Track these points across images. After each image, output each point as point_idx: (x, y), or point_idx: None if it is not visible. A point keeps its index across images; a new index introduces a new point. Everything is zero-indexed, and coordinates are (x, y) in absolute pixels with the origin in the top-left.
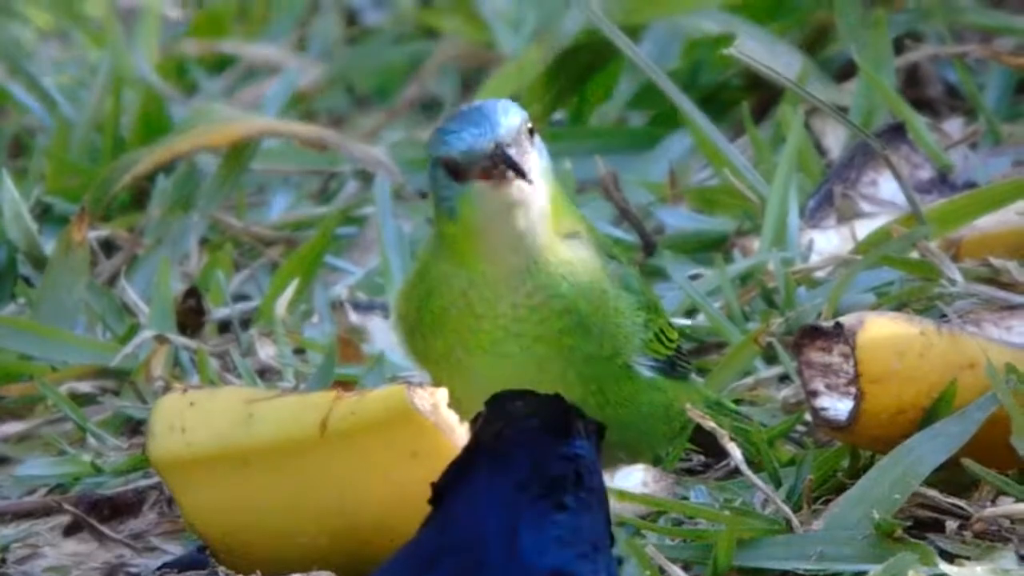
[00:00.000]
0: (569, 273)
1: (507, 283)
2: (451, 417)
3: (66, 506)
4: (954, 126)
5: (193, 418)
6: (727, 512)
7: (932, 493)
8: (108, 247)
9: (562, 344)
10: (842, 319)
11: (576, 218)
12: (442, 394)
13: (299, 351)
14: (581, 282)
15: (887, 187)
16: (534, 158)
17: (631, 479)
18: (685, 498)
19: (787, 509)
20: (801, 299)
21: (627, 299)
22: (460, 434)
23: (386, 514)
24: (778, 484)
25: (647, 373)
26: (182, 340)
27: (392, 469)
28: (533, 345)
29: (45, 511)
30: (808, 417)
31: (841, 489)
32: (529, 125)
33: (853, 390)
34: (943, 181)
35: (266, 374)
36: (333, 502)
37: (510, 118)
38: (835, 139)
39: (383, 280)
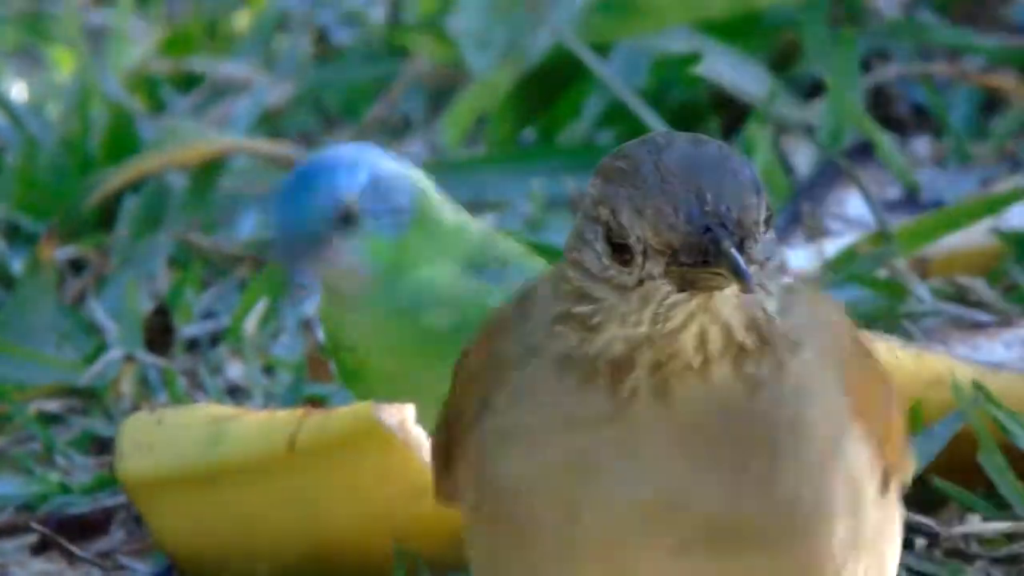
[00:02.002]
0: (412, 291)
1: (351, 316)
2: (419, 433)
3: (34, 525)
4: (922, 145)
5: (161, 437)
6: None
7: None
8: (76, 266)
9: (433, 353)
10: None
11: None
12: (410, 410)
13: (268, 369)
14: (425, 291)
15: (855, 206)
16: (342, 251)
17: None
18: None
19: None
20: None
21: (490, 291)
22: (425, 450)
23: (355, 531)
24: None
25: None
26: (150, 359)
27: (360, 486)
28: (403, 362)
29: (12, 530)
30: None
31: None
32: (350, 208)
33: None
34: (911, 200)
35: (235, 392)
36: (302, 519)
37: (312, 213)
38: (803, 158)
39: None
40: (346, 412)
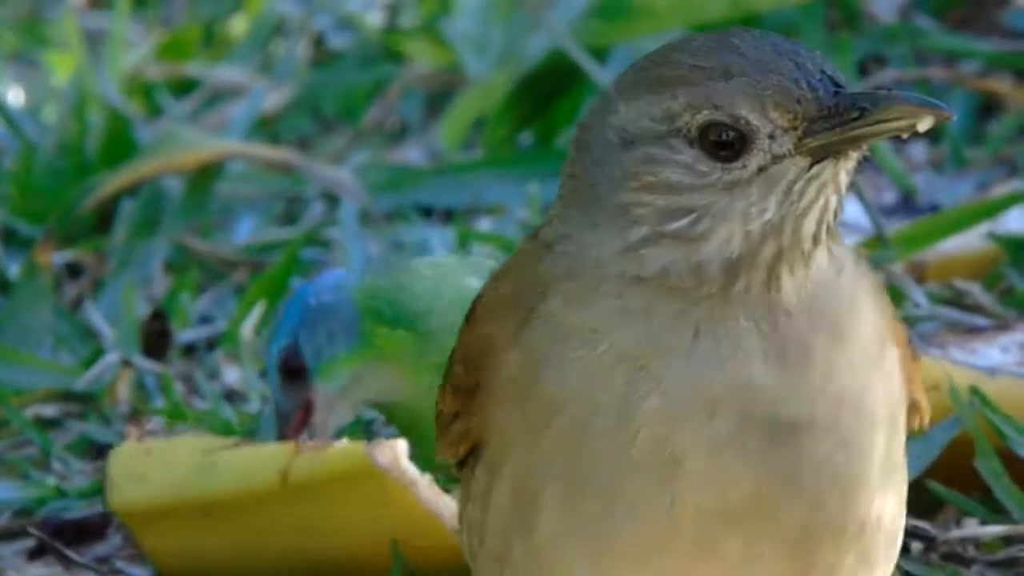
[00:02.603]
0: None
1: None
2: (410, 470)
3: (31, 530)
4: (918, 149)
5: (153, 467)
6: None
7: None
8: (73, 270)
9: None
10: None
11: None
12: (402, 447)
13: (264, 374)
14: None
15: (852, 210)
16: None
17: None
18: None
19: None
20: None
21: None
22: (420, 487)
23: (346, 565)
24: None
25: None
26: (147, 363)
27: (352, 522)
28: None
29: (9, 535)
30: None
31: None
32: (293, 363)
33: None
34: (907, 204)
35: (231, 397)
36: (294, 552)
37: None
38: None
39: None
40: (338, 450)
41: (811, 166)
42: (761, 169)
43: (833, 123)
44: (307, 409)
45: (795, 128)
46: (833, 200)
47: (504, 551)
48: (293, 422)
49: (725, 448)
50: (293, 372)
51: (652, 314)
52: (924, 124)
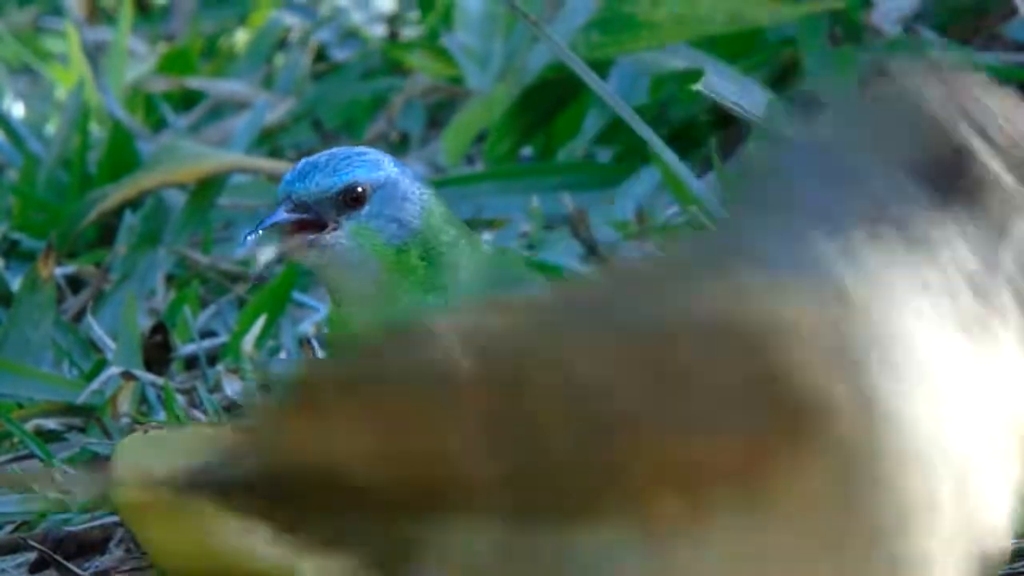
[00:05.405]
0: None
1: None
2: None
3: (32, 543)
4: None
5: (154, 458)
6: None
7: None
8: (75, 283)
9: None
10: None
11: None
12: None
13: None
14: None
15: None
16: (339, 232)
17: None
18: None
19: None
20: None
21: None
22: None
23: None
24: None
25: None
26: (149, 376)
27: None
28: None
29: (11, 548)
30: None
31: None
32: (360, 190)
33: None
34: None
35: (233, 410)
36: None
37: (321, 180)
38: None
39: None
40: None
41: None
42: None
43: None
44: (316, 226)
45: None
46: None
47: None
48: (294, 220)
49: None
50: (351, 201)
51: None
52: None
